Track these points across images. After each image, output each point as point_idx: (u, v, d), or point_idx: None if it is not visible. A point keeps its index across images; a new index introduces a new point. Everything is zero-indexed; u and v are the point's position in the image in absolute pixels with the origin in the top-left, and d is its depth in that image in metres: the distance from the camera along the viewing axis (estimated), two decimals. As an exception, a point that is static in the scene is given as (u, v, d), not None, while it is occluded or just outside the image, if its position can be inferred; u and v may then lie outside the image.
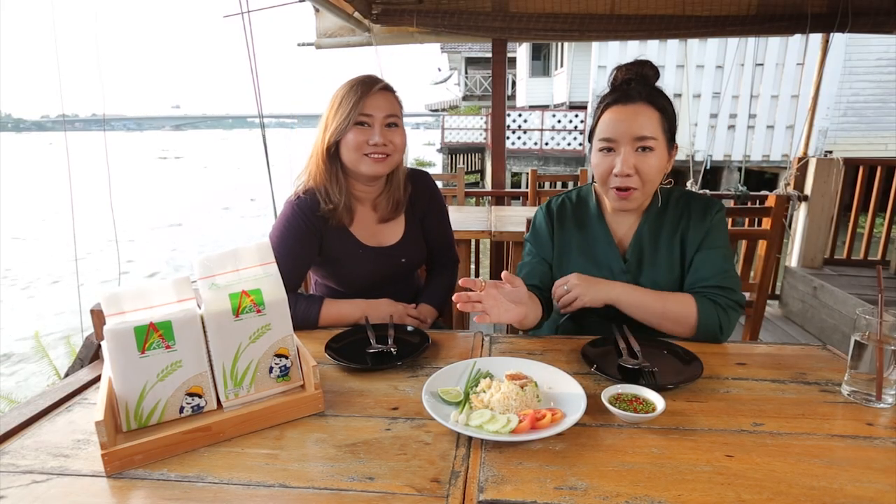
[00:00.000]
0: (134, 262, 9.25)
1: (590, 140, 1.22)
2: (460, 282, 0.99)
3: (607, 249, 1.24)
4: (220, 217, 13.61)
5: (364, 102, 1.24)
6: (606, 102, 1.16)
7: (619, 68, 1.19)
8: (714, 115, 10.79)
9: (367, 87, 1.25)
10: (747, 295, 1.96)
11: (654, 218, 1.23)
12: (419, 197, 1.45)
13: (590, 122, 1.26)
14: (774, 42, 10.32)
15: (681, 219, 1.22)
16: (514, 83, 19.46)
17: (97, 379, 1.00)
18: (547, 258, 1.31)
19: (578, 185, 1.43)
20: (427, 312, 1.41)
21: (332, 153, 1.29)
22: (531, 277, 1.29)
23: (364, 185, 1.34)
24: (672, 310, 1.13)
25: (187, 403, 0.83)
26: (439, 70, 28.24)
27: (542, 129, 12.75)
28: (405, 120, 1.35)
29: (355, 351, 1.08)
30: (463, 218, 2.76)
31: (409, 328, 1.20)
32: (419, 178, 1.46)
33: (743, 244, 2.02)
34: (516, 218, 2.77)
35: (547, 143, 12.75)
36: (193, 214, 13.70)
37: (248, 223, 12.72)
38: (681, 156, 1.27)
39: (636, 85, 1.15)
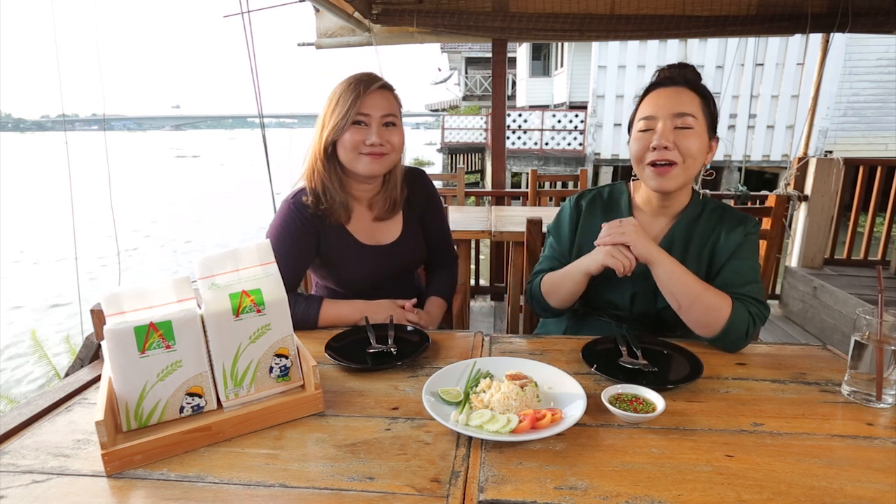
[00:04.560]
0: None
1: (629, 132, 1.22)
2: None
3: None
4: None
5: (362, 101, 1.23)
6: (647, 89, 1.19)
7: (662, 68, 1.21)
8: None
9: (366, 86, 1.25)
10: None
11: (687, 223, 1.22)
12: (417, 195, 1.45)
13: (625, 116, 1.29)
14: (774, 42, 10.32)
15: (713, 230, 1.20)
16: (514, 83, 19.45)
17: (97, 379, 1.00)
18: (564, 253, 1.31)
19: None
20: (436, 305, 1.42)
21: (330, 153, 1.29)
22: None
23: (361, 183, 1.34)
24: (708, 298, 1.07)
25: (187, 403, 0.83)
26: (439, 70, 28.24)
27: (542, 129, 12.73)
28: (405, 120, 1.34)
29: (355, 351, 1.08)
30: (463, 218, 2.76)
31: (410, 328, 1.20)
32: (416, 177, 1.46)
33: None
34: (516, 218, 2.77)
35: (547, 143, 12.74)
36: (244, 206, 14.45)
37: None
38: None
39: (679, 76, 1.17)
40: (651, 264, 1.10)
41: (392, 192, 1.37)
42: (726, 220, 1.20)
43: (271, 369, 0.88)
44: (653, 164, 1.14)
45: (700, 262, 1.20)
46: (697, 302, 1.07)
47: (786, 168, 3.45)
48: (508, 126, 11.72)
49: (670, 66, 1.20)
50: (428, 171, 1.56)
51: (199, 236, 11.17)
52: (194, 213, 13.76)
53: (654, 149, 1.12)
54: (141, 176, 21.94)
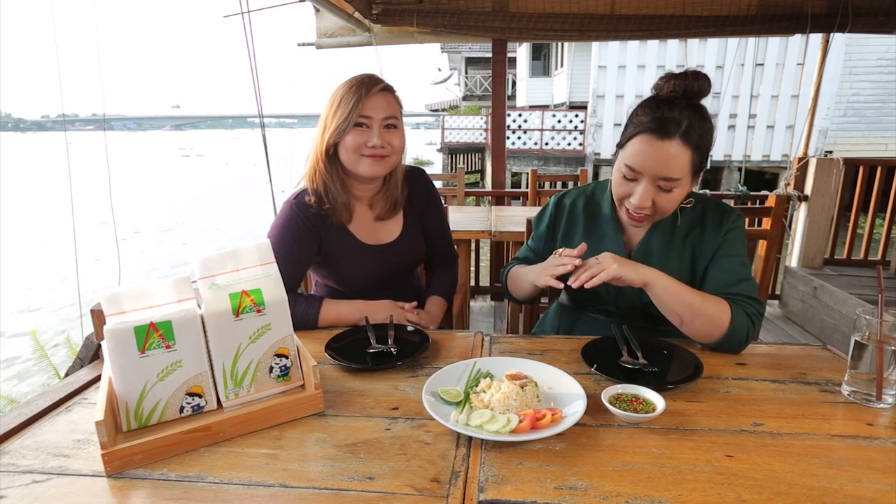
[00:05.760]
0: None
1: (617, 147, 1.17)
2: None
3: (613, 246, 1.23)
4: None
5: (363, 104, 1.24)
6: (641, 129, 1.08)
7: (666, 79, 1.11)
8: (714, 115, 10.73)
9: (367, 88, 1.25)
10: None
11: (668, 222, 1.22)
12: (417, 194, 1.45)
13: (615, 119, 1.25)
14: (774, 42, 10.32)
15: (693, 227, 1.20)
16: (514, 83, 19.44)
17: (97, 379, 1.00)
18: (540, 248, 1.37)
19: (578, 185, 1.43)
20: (436, 304, 1.43)
21: (332, 154, 1.29)
22: (526, 263, 1.36)
23: (362, 184, 1.34)
24: (709, 309, 1.05)
25: (187, 403, 0.83)
26: (439, 70, 28.22)
27: (542, 129, 12.73)
28: (405, 120, 1.35)
29: (355, 351, 1.08)
30: (463, 218, 2.76)
31: (410, 328, 1.20)
32: (416, 176, 1.47)
33: (743, 244, 2.02)
34: (516, 218, 2.77)
35: (547, 143, 12.73)
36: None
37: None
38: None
39: (678, 113, 1.06)
40: (647, 286, 1.07)
41: (393, 192, 1.38)
42: (707, 217, 1.20)
43: (271, 369, 0.88)
44: (627, 211, 1.15)
45: (682, 258, 1.20)
46: (699, 314, 1.05)
47: (786, 168, 3.45)
48: (508, 126, 11.71)
49: (675, 84, 1.09)
50: (428, 170, 1.57)
51: (211, 234, 11.45)
52: (205, 212, 14.02)
53: (634, 205, 1.12)
54: (150, 175, 22.64)
